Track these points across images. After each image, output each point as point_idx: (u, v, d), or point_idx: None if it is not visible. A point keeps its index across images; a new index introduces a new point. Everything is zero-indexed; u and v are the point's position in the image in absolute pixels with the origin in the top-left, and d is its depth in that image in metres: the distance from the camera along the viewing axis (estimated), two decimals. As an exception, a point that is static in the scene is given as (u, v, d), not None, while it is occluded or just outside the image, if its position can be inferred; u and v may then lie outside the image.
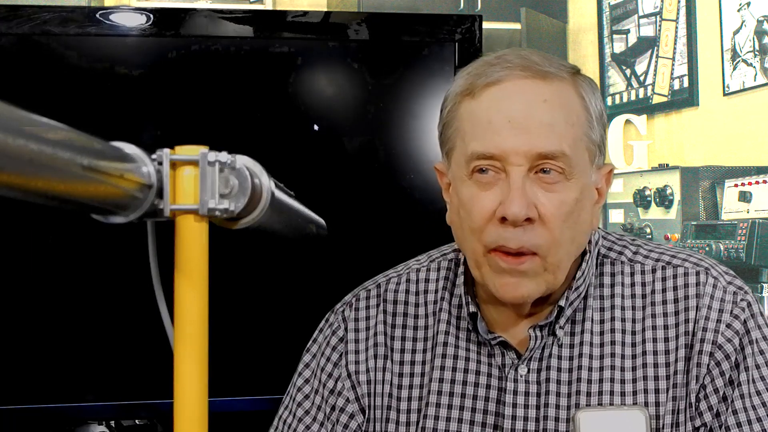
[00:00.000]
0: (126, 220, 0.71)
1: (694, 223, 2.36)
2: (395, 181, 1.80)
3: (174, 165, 0.74)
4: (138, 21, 1.73)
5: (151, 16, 1.73)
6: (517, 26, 2.13)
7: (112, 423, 1.85)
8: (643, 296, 1.09)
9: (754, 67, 2.22)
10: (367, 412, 1.15)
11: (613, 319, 1.08)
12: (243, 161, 0.77)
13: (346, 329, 1.18)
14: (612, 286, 1.10)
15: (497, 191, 1.01)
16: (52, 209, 0.70)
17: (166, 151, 0.74)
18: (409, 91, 1.80)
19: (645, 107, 2.35)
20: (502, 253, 1.01)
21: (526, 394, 1.07)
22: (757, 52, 2.22)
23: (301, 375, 1.22)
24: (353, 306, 1.20)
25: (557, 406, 1.06)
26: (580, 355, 1.07)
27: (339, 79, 1.80)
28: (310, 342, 1.23)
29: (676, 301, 1.07)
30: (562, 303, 1.06)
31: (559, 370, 1.07)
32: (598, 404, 1.05)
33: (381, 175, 1.80)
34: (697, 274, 1.08)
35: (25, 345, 1.71)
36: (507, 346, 1.08)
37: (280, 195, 0.88)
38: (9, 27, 1.67)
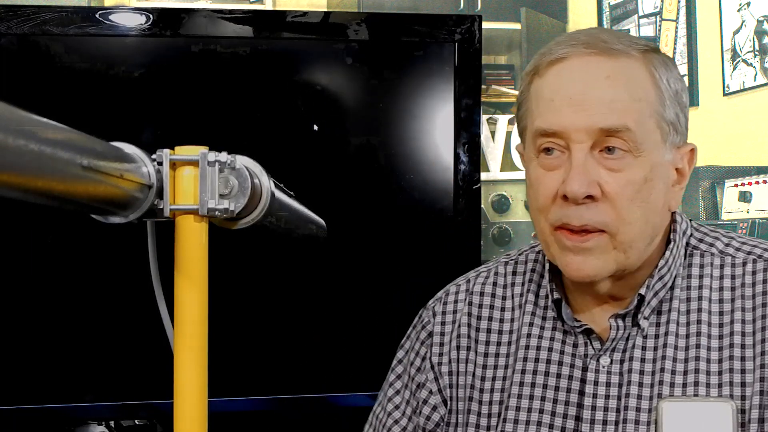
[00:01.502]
0: (126, 221, 0.71)
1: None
2: (395, 181, 1.80)
3: (174, 165, 0.74)
4: (138, 21, 1.73)
5: (151, 16, 1.73)
6: (517, 26, 2.13)
7: (112, 423, 1.85)
8: (732, 289, 1.07)
9: (754, 67, 2.22)
10: (449, 403, 1.15)
11: (699, 310, 1.06)
12: (243, 161, 0.77)
13: (434, 323, 1.19)
14: (700, 277, 1.08)
15: (561, 171, 1.01)
16: (52, 209, 0.70)
17: (166, 151, 0.74)
18: (409, 91, 1.80)
19: (645, 107, 2.35)
20: (567, 230, 1.01)
21: (608, 384, 1.06)
22: (757, 52, 2.22)
23: (393, 371, 1.24)
24: (442, 300, 1.21)
25: (639, 397, 1.04)
26: (665, 346, 1.05)
27: (339, 79, 1.80)
28: (404, 338, 1.25)
29: (765, 293, 1.06)
30: (642, 292, 1.05)
31: (642, 360, 1.06)
32: (683, 395, 1.03)
33: (381, 175, 1.80)
34: None
35: (25, 345, 1.71)
36: (591, 334, 1.08)
37: (280, 195, 0.88)
38: (9, 27, 1.67)
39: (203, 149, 0.75)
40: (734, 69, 2.24)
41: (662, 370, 1.05)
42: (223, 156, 0.75)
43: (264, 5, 2.01)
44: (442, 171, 1.81)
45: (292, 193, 0.95)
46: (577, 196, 0.99)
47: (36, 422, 1.75)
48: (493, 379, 1.13)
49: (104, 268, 1.72)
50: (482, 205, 1.94)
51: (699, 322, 1.06)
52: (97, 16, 1.71)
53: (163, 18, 1.73)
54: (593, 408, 1.06)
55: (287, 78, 1.77)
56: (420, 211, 1.80)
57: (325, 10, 1.98)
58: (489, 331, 1.16)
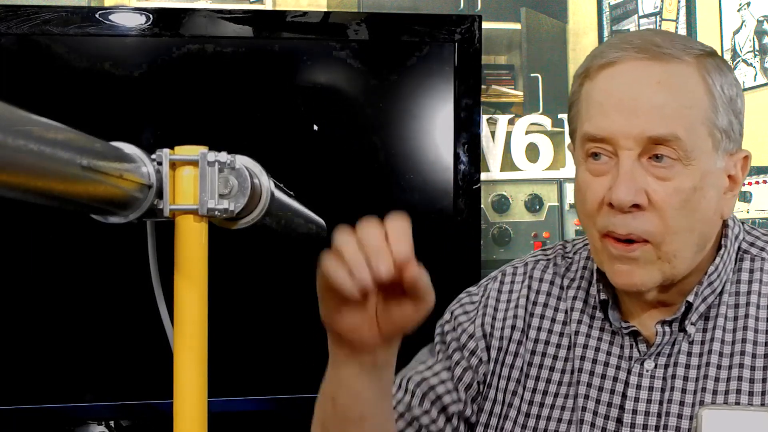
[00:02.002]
0: (125, 221, 0.71)
1: (694, 223, 2.36)
2: (395, 181, 1.80)
3: (173, 165, 0.74)
4: (138, 21, 1.73)
5: (151, 16, 1.73)
6: (517, 26, 2.13)
7: (112, 423, 1.85)
8: None
9: (754, 67, 2.22)
10: (489, 377, 1.13)
11: (747, 316, 1.04)
12: (242, 161, 0.77)
13: (487, 297, 1.17)
14: (749, 282, 1.06)
15: (609, 177, 0.99)
16: (52, 209, 0.70)
17: (166, 151, 0.74)
18: (409, 91, 1.81)
19: (645, 107, 2.35)
20: (613, 239, 1.00)
21: (650, 389, 1.04)
22: (757, 52, 2.22)
23: (427, 346, 1.21)
24: (498, 279, 1.19)
25: (681, 403, 1.03)
26: (710, 352, 1.03)
27: (339, 79, 1.80)
28: (442, 319, 1.21)
29: None
30: (690, 299, 1.03)
31: (687, 366, 1.04)
32: (724, 403, 1.01)
33: (381, 175, 1.80)
34: None
35: (25, 345, 1.71)
36: (638, 336, 1.06)
37: (280, 195, 0.88)
38: (9, 27, 1.67)
39: (203, 149, 0.75)
40: (734, 69, 2.24)
41: (706, 376, 1.03)
42: (223, 156, 0.75)
43: (264, 5, 2.01)
44: (442, 171, 1.81)
45: (291, 193, 0.95)
46: (622, 204, 0.97)
47: (36, 422, 1.75)
48: (540, 367, 1.11)
49: (104, 268, 1.72)
50: (482, 205, 1.94)
51: (745, 328, 1.04)
52: (97, 16, 1.71)
53: (163, 18, 1.73)
54: (634, 412, 1.04)
55: (287, 78, 1.77)
56: (420, 211, 1.80)
57: (325, 10, 1.98)
58: (543, 317, 1.14)
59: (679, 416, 1.03)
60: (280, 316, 1.76)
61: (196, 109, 1.74)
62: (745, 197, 2.23)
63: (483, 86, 1.97)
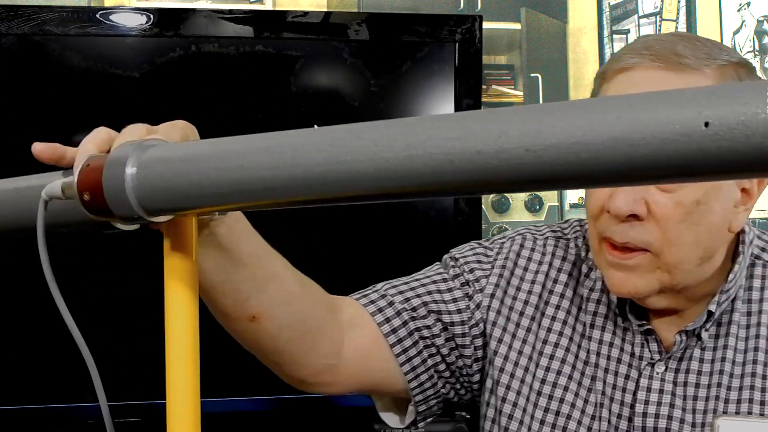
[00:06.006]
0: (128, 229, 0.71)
1: (694, 223, 2.36)
2: (395, 181, 1.80)
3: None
4: (138, 21, 1.73)
5: (151, 16, 1.73)
6: (517, 26, 2.13)
7: (112, 423, 1.85)
8: None
9: (754, 67, 2.22)
10: (496, 345, 1.09)
11: (759, 324, 1.02)
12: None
13: (505, 258, 1.12)
14: (762, 289, 1.04)
15: None
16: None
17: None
18: (409, 91, 1.80)
19: (645, 107, 2.35)
20: (610, 245, 0.98)
21: (661, 392, 1.03)
22: (757, 52, 2.22)
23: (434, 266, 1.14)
24: (518, 242, 1.14)
25: (694, 410, 1.02)
26: (723, 360, 1.02)
27: (339, 80, 1.80)
28: (447, 257, 1.15)
29: None
30: (712, 308, 1.01)
31: (699, 373, 1.03)
32: (737, 412, 0.99)
33: (381, 175, 1.80)
34: None
35: (25, 345, 1.71)
36: (651, 335, 1.04)
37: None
38: (9, 27, 1.67)
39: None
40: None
41: (719, 384, 1.01)
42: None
43: (264, 5, 2.01)
44: (442, 171, 1.80)
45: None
46: (619, 213, 0.95)
47: (36, 422, 1.75)
48: (551, 358, 1.08)
49: (104, 267, 1.72)
50: (482, 205, 1.94)
51: (758, 336, 1.02)
52: (97, 16, 1.71)
53: (163, 18, 1.73)
54: (644, 415, 1.03)
55: (287, 78, 1.77)
56: (421, 211, 1.80)
57: (326, 10, 1.98)
58: (562, 296, 1.10)
59: (693, 425, 1.01)
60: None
61: (196, 109, 1.74)
62: (746, 197, 2.23)
63: (483, 86, 1.97)
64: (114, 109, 1.71)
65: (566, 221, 1.18)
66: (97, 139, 0.72)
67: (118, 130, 0.74)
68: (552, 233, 1.15)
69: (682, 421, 1.02)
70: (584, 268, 1.11)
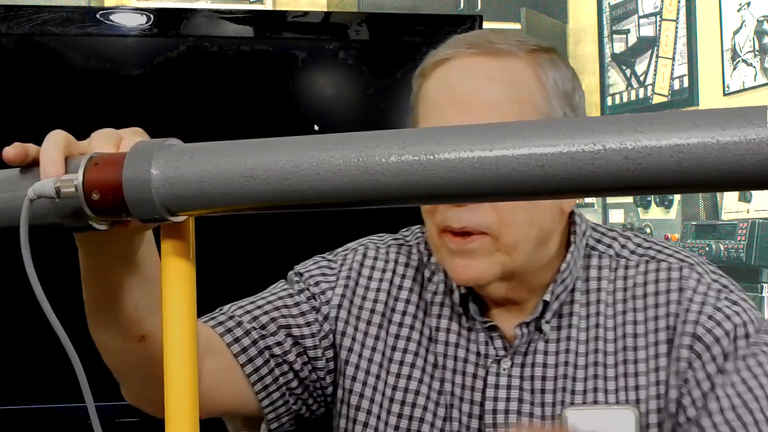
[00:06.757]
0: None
1: (694, 223, 2.36)
2: (395, 181, 1.80)
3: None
4: (138, 21, 1.73)
5: (151, 16, 1.73)
6: (517, 26, 2.13)
7: (112, 423, 1.85)
8: (625, 290, 1.05)
9: (754, 67, 2.22)
10: (347, 355, 1.11)
11: (598, 314, 1.05)
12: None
13: (349, 269, 1.14)
14: (598, 279, 1.06)
15: None
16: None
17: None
18: (409, 92, 1.81)
19: (645, 107, 2.35)
20: (450, 233, 0.99)
21: (509, 387, 1.04)
22: (757, 52, 2.22)
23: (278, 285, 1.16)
24: (361, 253, 1.16)
25: (543, 404, 1.03)
26: (567, 351, 1.04)
27: (339, 80, 1.80)
28: (291, 274, 1.17)
29: (656, 294, 1.03)
30: (547, 298, 1.03)
31: (545, 366, 1.04)
32: (584, 402, 1.02)
33: (381, 175, 1.80)
34: (681, 269, 1.04)
35: (25, 345, 1.71)
36: (494, 332, 1.06)
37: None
38: (9, 27, 1.67)
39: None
40: (734, 69, 2.25)
41: (564, 376, 1.03)
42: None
43: (264, 5, 2.01)
44: (442, 171, 1.81)
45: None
46: None
47: (36, 422, 1.75)
48: (401, 363, 1.09)
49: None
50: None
51: (597, 326, 1.04)
52: (97, 16, 1.71)
53: (163, 18, 1.73)
54: (494, 412, 1.04)
55: (287, 78, 1.77)
56: (419, 210, 1.80)
57: (326, 10, 1.98)
58: (408, 302, 1.12)
59: (542, 417, 1.02)
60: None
61: (196, 109, 1.74)
62: (745, 197, 2.24)
63: (483, 86, 1.97)
64: (114, 109, 1.71)
65: (408, 229, 1.20)
66: (59, 143, 0.72)
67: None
68: (394, 241, 1.17)
69: (531, 415, 1.03)
70: (427, 273, 1.12)
